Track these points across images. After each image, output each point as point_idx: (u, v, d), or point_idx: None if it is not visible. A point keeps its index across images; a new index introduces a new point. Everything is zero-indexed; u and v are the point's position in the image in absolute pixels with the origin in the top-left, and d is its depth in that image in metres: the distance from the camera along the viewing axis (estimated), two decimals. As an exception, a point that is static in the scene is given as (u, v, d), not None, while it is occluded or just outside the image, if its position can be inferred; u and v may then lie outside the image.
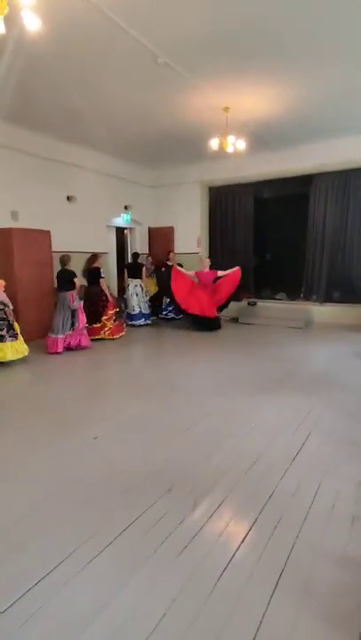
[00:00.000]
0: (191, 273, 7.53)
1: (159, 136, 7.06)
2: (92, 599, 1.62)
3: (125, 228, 9.93)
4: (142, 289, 7.98)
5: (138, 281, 7.96)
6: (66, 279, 6.08)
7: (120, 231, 9.97)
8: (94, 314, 6.65)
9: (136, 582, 1.70)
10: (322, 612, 1.55)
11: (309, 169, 7.90)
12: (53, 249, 7.02)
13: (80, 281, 6.33)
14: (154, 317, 8.25)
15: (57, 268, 7.22)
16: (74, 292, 6.05)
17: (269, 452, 2.82)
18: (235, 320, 8.51)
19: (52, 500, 2.29)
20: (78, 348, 6.04)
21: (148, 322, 8.02)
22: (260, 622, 1.50)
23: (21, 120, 6.28)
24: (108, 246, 8.93)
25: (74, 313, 6.00)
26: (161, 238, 9.79)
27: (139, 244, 9.94)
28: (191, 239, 9.43)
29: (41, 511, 2.20)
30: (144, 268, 8.13)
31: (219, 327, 7.39)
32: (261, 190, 9.06)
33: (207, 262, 7.62)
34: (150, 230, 9.97)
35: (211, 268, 7.53)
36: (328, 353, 5.76)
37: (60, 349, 5.82)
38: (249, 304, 8.68)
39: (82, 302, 6.25)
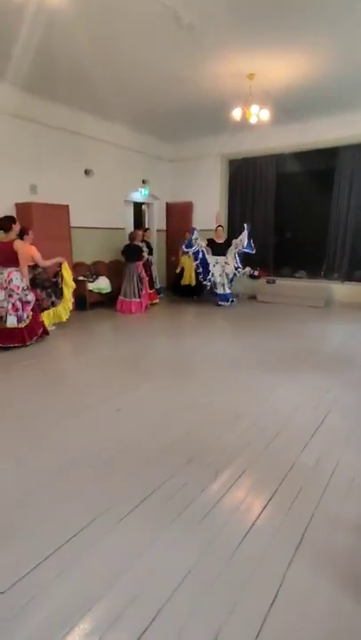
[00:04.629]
0: None
1: (179, 105, 6.83)
2: (117, 558, 1.69)
3: (143, 204, 9.80)
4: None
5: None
6: (133, 252, 7.17)
7: (138, 206, 9.85)
8: (150, 282, 7.67)
9: (159, 544, 1.76)
10: (339, 576, 1.60)
11: (335, 141, 7.55)
12: (71, 224, 7.02)
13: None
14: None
15: (75, 242, 7.31)
16: (140, 263, 7.16)
17: (289, 427, 2.84)
18: (253, 298, 8.46)
19: (72, 470, 2.36)
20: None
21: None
22: (281, 584, 1.55)
23: (38, 90, 6.14)
24: (126, 222, 8.85)
25: (141, 280, 7.13)
26: (179, 214, 9.64)
27: (156, 219, 9.82)
28: (210, 215, 9.25)
29: (63, 479, 2.28)
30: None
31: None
32: (284, 164, 8.74)
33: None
34: (168, 206, 9.82)
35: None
36: (348, 332, 5.67)
37: (130, 310, 7.01)
38: (268, 282, 8.56)
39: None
